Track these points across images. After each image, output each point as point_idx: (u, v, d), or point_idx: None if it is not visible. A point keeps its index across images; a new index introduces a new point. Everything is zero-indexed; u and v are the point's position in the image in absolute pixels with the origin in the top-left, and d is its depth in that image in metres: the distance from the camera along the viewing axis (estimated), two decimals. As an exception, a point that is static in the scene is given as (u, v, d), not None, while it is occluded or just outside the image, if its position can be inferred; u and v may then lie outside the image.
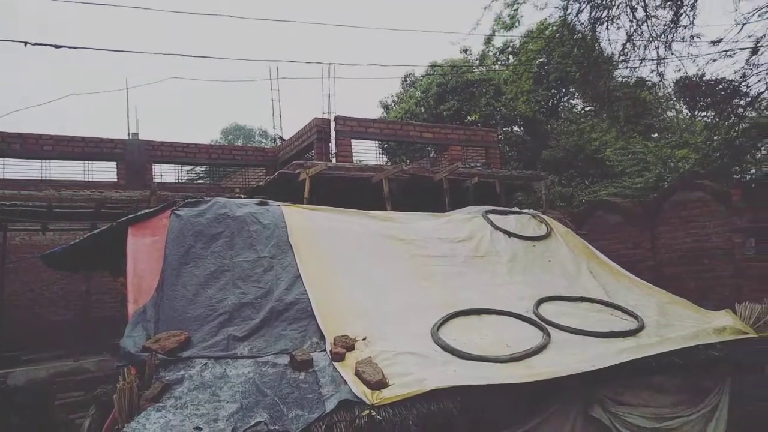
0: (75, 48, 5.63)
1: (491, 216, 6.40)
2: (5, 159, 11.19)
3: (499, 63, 19.66)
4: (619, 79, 11.60)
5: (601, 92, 11.35)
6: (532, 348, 3.86)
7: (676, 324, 4.56)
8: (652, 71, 10.58)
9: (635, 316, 4.61)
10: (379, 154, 16.44)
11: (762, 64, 8.78)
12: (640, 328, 4.36)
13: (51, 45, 5.08)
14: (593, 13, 9.91)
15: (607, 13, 9.77)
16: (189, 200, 5.33)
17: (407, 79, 22.64)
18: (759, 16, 8.04)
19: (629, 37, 9.74)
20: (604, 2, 9.60)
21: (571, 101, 20.37)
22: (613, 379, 3.87)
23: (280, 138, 14.31)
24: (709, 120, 14.41)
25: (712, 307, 5.30)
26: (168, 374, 3.36)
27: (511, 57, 19.30)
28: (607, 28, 9.90)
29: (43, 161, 11.56)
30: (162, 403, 3.09)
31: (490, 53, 20.03)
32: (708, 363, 4.14)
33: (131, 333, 3.73)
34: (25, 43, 5.05)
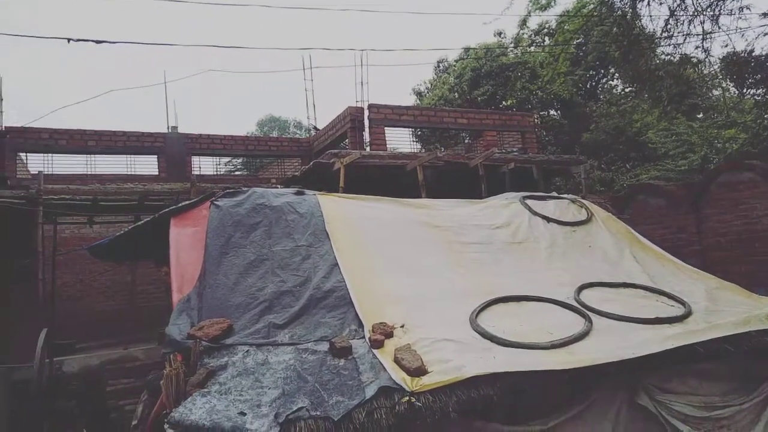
0: (114, 42, 5.79)
1: (529, 201, 6.29)
2: (54, 155, 11.64)
3: (534, 45, 19.21)
4: (662, 57, 11.17)
5: (642, 71, 10.96)
6: (573, 334, 3.78)
7: (726, 310, 4.39)
8: (697, 47, 10.16)
9: (682, 302, 4.45)
10: (413, 141, 16.37)
11: (817, 37, 8.30)
12: (688, 314, 4.21)
13: (92, 41, 5.25)
14: (634, -12, 9.54)
15: (649, -12, 9.40)
16: (227, 191, 5.42)
17: (440, 65, 22.39)
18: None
19: (672, 13, 9.36)
20: (645, -23, 9.24)
21: (611, 82, 19.75)
22: (659, 367, 3.76)
23: (315, 128, 14.40)
24: (760, 98, 13.75)
25: (765, 292, 5.08)
26: (212, 361, 3.45)
27: (546, 38, 18.82)
28: (648, 4, 9.54)
29: (88, 156, 11.97)
30: (207, 388, 3.16)
31: (525, 35, 19.59)
32: (762, 350, 3.97)
33: (176, 321, 3.83)
34: (68, 40, 5.22)
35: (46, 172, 8.70)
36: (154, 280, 9.93)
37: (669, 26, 9.46)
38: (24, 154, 11.66)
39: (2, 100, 10.80)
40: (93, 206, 8.07)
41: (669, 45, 10.10)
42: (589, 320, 4.04)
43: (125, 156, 12.23)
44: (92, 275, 10.56)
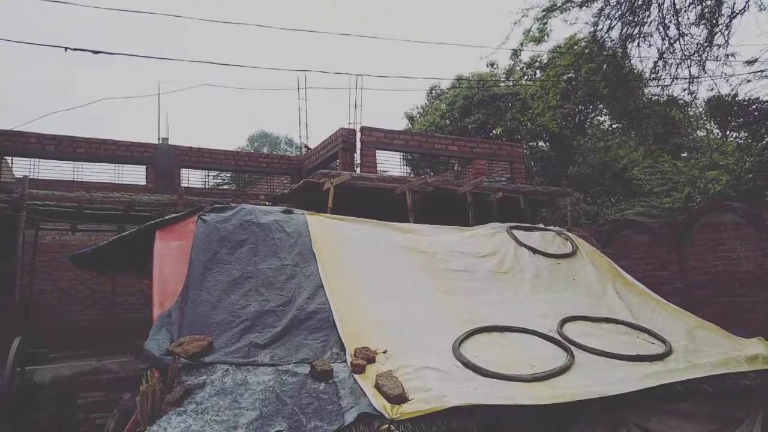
0: (112, 54, 5.79)
1: (516, 232, 6.34)
2: (40, 160, 11.51)
3: (525, 77, 19.58)
4: (649, 96, 11.45)
5: (629, 109, 11.22)
6: (555, 368, 3.79)
7: (705, 350, 4.43)
8: (684, 90, 10.44)
9: (663, 340, 4.49)
10: (403, 165, 16.46)
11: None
12: (668, 353, 4.25)
13: (89, 50, 5.25)
14: (624, 29, 9.84)
15: (639, 30, 9.69)
16: (216, 206, 5.39)
17: (433, 91, 22.71)
18: (797, 36, 7.87)
19: (661, 55, 9.64)
20: (635, 19, 9.53)
21: (599, 117, 20.15)
22: (638, 404, 3.77)
23: (306, 147, 14.44)
24: (742, 141, 14.12)
25: (744, 333, 5.14)
26: (190, 379, 3.39)
27: (538, 72, 19.21)
28: (638, 46, 9.82)
29: (76, 163, 11.85)
30: (183, 407, 3.11)
31: (517, 67, 19.98)
32: (739, 392, 4.01)
33: (155, 336, 3.77)
34: (66, 48, 5.23)
35: (31, 177, 8.59)
36: (135, 292, 9.77)
37: (657, 68, 9.73)
38: (10, 157, 11.51)
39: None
40: (77, 214, 7.96)
41: (657, 86, 10.36)
42: (571, 354, 4.05)
43: (114, 165, 12.14)
44: (72, 284, 10.36)
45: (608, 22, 9.80)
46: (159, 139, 13.35)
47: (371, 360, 3.75)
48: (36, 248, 8.49)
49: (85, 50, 5.23)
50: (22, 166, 11.46)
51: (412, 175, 15.40)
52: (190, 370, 3.47)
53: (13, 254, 7.29)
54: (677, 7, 8.94)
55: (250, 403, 3.22)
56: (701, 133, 18.31)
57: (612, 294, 5.48)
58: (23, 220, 7.31)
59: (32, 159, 11.46)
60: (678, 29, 9.06)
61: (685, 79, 9.45)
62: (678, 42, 9.14)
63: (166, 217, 5.18)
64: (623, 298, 5.43)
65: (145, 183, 12.31)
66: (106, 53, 5.47)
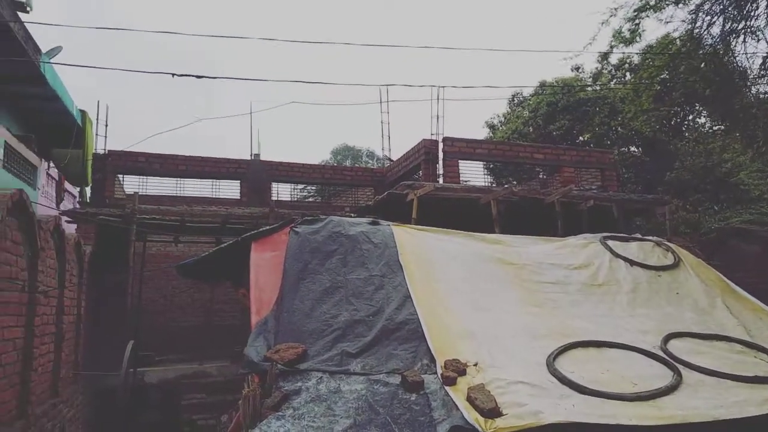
0: (213, 78, 6.22)
1: (610, 242, 6.04)
2: (147, 177, 12.52)
3: (614, 80, 18.68)
4: (757, 95, 10.51)
5: (734, 110, 10.37)
6: (661, 387, 3.55)
7: (837, 373, 3.97)
8: (800, 86, 9.49)
9: (785, 361, 4.08)
10: (485, 175, 16.22)
11: None
12: (792, 375, 3.85)
13: (194, 75, 5.68)
14: (727, 25, 9.13)
15: (745, 25, 8.96)
16: (306, 218, 5.60)
17: (514, 99, 22.24)
18: None
19: (772, 50, 8.83)
20: (741, 14, 8.82)
21: (698, 119, 18.78)
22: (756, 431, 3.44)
23: (389, 159, 14.62)
24: None
25: None
26: (287, 385, 3.53)
27: (627, 74, 18.28)
28: (743, 41, 9.07)
29: (178, 179, 12.77)
30: (281, 412, 3.24)
31: (605, 70, 19.11)
32: None
33: (254, 343, 3.96)
34: (173, 75, 5.70)
35: (140, 193, 9.35)
36: (230, 300, 10.32)
37: (767, 64, 8.93)
38: (121, 175, 12.61)
39: (107, 125, 11.79)
40: (180, 226, 8.57)
41: (766, 83, 9.50)
42: (678, 373, 3.78)
43: (211, 180, 12.95)
44: (174, 291, 11.14)
45: (708, 18, 9.15)
46: (251, 155, 14.07)
47: (462, 372, 3.71)
48: (144, 259, 9.21)
49: (190, 75, 5.68)
50: (131, 183, 12.52)
51: (494, 185, 15.14)
52: (286, 377, 3.61)
53: (126, 265, 7.95)
54: (790, -4, 8.18)
55: (343, 411, 3.29)
56: (820, 133, 16.54)
57: (722, 309, 5.07)
58: (134, 233, 7.97)
59: (141, 176, 12.49)
60: (792, 20, 8.27)
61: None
62: (792, 35, 8.35)
63: (261, 229, 5.45)
64: (735, 313, 5.01)
65: (239, 197, 13.01)
66: (208, 77, 5.90)
